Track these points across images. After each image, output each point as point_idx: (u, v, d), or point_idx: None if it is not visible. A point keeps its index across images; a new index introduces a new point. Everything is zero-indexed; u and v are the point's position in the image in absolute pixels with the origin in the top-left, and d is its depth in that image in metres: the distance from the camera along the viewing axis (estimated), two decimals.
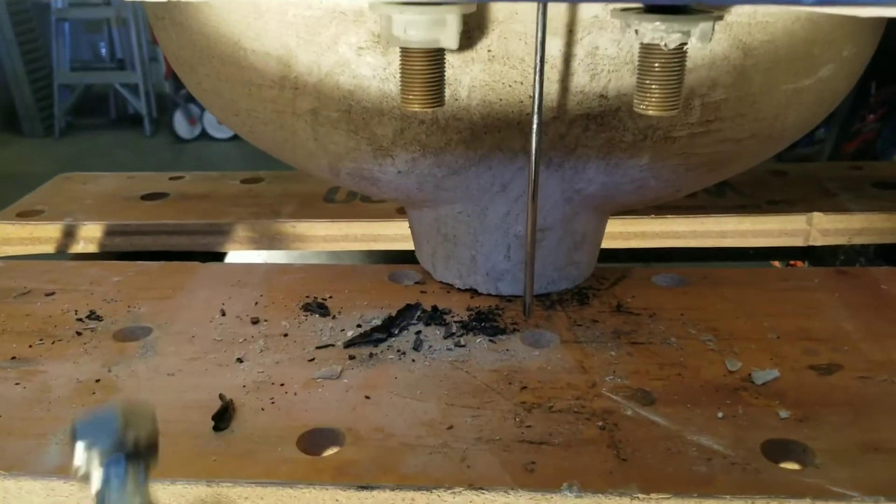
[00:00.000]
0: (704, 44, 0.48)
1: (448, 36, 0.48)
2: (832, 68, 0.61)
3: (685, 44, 0.48)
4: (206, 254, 0.83)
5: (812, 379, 0.54)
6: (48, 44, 4.22)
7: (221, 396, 0.52)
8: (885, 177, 0.93)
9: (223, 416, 0.50)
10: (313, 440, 0.48)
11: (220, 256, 0.89)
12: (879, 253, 0.89)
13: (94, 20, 4.44)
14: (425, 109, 0.50)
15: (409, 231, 0.73)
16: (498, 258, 0.65)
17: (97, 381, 0.54)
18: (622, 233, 0.83)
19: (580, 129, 0.57)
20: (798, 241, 0.84)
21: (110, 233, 0.81)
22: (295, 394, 0.52)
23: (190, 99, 4.10)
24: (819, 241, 0.83)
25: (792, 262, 1.08)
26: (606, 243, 0.84)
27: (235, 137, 4.17)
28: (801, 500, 0.43)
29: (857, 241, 0.83)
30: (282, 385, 0.53)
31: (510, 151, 0.58)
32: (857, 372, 0.55)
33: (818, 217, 0.82)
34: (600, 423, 0.50)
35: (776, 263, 1.10)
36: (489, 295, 0.67)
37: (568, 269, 0.67)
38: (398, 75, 0.50)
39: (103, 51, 4.62)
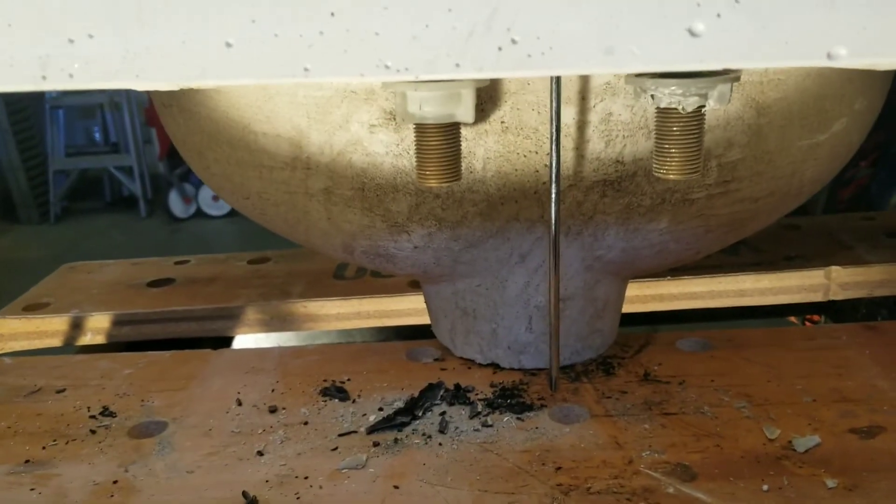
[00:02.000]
0: (723, 105, 0.47)
1: (464, 110, 0.47)
2: (845, 122, 0.60)
3: (703, 106, 0.47)
4: (216, 339, 0.81)
5: (855, 443, 0.52)
6: (42, 131, 4.26)
7: (245, 494, 0.49)
8: None
9: None
10: None
11: (230, 341, 0.87)
12: None
13: (87, 106, 4.50)
14: (442, 185, 0.50)
15: (422, 305, 0.72)
16: (520, 330, 0.64)
17: (115, 482, 0.52)
18: (640, 296, 0.82)
19: (598, 196, 0.56)
20: (818, 297, 0.82)
21: (118, 322, 0.80)
22: (321, 487, 0.50)
23: (184, 178, 4.13)
24: (839, 296, 0.82)
25: (809, 317, 1.06)
26: (625, 308, 0.83)
27: (230, 214, 4.18)
28: None
29: (879, 293, 0.82)
30: (306, 478, 0.51)
31: (528, 221, 0.57)
32: None
33: (837, 271, 0.81)
34: None
35: (793, 319, 1.08)
36: (512, 369, 0.65)
37: (591, 338, 0.65)
38: (411, 151, 0.49)
39: (97, 135, 4.67)
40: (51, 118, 4.20)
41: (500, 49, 0.36)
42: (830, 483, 0.48)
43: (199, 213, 4.11)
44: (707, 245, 0.63)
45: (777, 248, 0.87)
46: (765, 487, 0.48)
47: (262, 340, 0.90)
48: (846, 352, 0.64)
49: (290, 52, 0.35)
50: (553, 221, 0.54)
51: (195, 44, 0.35)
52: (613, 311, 0.67)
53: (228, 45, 0.35)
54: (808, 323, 1.07)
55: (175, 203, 4.12)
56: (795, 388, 0.59)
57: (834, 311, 0.94)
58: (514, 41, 0.36)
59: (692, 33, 0.35)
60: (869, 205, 2.17)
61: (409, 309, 0.81)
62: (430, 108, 0.47)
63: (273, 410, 0.60)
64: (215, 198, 4.21)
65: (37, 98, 4.23)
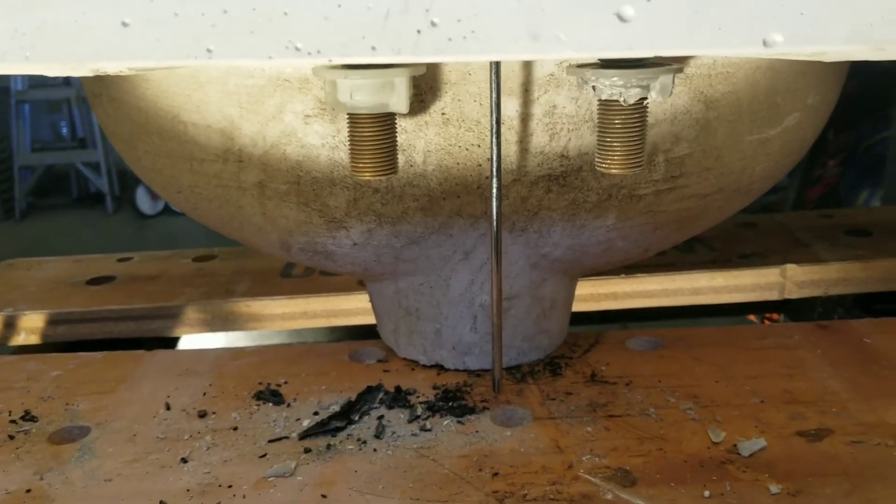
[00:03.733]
0: (665, 98, 0.45)
1: (397, 100, 0.45)
2: (797, 117, 0.59)
3: (645, 98, 0.45)
4: (156, 340, 0.78)
5: (802, 447, 0.51)
6: (8, 126, 4.18)
7: None
8: (857, 224, 0.91)
9: None
10: None
11: (176, 341, 0.84)
12: (858, 302, 0.86)
13: (54, 100, 4.43)
14: (377, 178, 0.47)
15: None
16: (464, 331, 0.61)
17: (28, 491, 0.49)
18: (593, 294, 0.80)
19: (542, 191, 0.54)
20: (773, 295, 0.81)
21: (53, 322, 0.77)
22: (244, 497, 0.48)
23: None
24: (794, 294, 0.81)
25: (768, 315, 1.05)
26: (578, 306, 0.81)
27: None
28: None
29: (834, 291, 0.81)
30: (230, 487, 0.49)
31: (471, 217, 0.55)
32: (848, 436, 0.51)
33: (792, 269, 0.80)
34: None
35: (752, 317, 1.07)
36: (457, 371, 0.63)
37: (538, 338, 0.63)
38: (348, 142, 0.47)
39: (64, 130, 4.59)
40: (16, 112, 4.13)
41: (419, 32, 0.33)
42: (774, 489, 0.46)
43: (167, 210, 4.05)
44: (656, 242, 0.62)
45: (733, 245, 0.86)
46: (706, 493, 0.46)
47: (210, 341, 0.87)
48: (798, 352, 0.63)
49: (192, 32, 0.33)
50: (494, 215, 0.52)
51: (89, 23, 0.33)
52: (562, 311, 0.65)
53: (125, 24, 0.33)
54: (767, 321, 1.05)
55: (143, 200, 4.06)
56: (744, 388, 0.58)
57: (791, 309, 0.93)
58: (433, 24, 0.34)
59: (621, 18, 0.33)
60: (837, 204, 2.18)
61: (358, 308, 0.79)
62: (362, 97, 0.45)
63: (202, 415, 0.57)
64: None
65: (2, 92, 4.15)
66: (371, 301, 0.68)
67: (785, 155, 0.61)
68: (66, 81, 4.30)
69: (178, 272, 0.86)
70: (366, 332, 0.78)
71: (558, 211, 0.55)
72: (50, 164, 4.33)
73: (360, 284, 0.79)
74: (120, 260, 0.91)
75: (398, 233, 0.56)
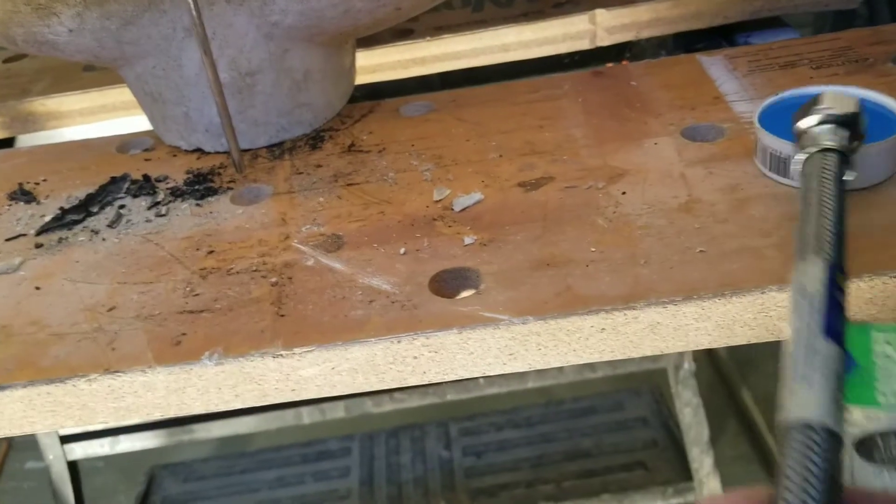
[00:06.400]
0: None
1: None
2: None
3: None
4: None
5: (516, 197, 0.51)
6: None
7: None
8: None
9: None
10: None
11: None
12: (679, 43, 0.84)
13: None
14: None
15: None
16: (212, 112, 0.60)
17: None
18: (400, 61, 0.77)
19: None
20: (585, 44, 0.78)
21: None
22: None
23: None
24: (606, 41, 0.78)
25: (623, 61, 1.03)
26: (386, 75, 0.79)
27: None
28: (447, 331, 0.41)
29: (647, 34, 0.78)
30: None
31: None
32: (565, 182, 0.52)
33: (602, 14, 0.77)
34: (274, 280, 0.47)
35: (610, 65, 1.05)
36: (217, 153, 0.62)
37: (298, 112, 0.62)
38: None
39: None
40: None
41: None
42: (468, 240, 0.47)
43: None
44: None
45: None
46: (402, 251, 0.47)
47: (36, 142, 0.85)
48: (561, 102, 0.62)
49: None
50: None
51: None
52: (323, 83, 0.63)
53: None
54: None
55: None
56: (490, 145, 0.57)
57: (635, 54, 0.91)
58: None
59: None
60: None
61: None
62: None
63: None
64: None
65: None
66: None
67: None
68: None
69: None
70: None
71: None
72: None
73: None
74: None
75: (109, 14, 0.53)
